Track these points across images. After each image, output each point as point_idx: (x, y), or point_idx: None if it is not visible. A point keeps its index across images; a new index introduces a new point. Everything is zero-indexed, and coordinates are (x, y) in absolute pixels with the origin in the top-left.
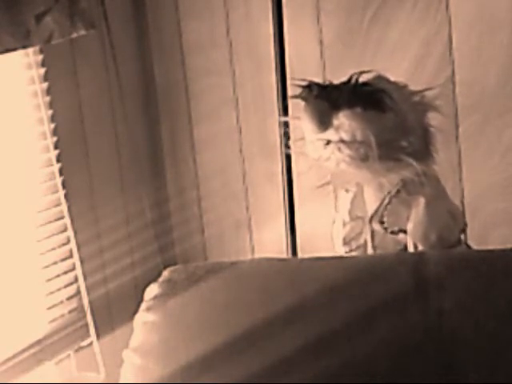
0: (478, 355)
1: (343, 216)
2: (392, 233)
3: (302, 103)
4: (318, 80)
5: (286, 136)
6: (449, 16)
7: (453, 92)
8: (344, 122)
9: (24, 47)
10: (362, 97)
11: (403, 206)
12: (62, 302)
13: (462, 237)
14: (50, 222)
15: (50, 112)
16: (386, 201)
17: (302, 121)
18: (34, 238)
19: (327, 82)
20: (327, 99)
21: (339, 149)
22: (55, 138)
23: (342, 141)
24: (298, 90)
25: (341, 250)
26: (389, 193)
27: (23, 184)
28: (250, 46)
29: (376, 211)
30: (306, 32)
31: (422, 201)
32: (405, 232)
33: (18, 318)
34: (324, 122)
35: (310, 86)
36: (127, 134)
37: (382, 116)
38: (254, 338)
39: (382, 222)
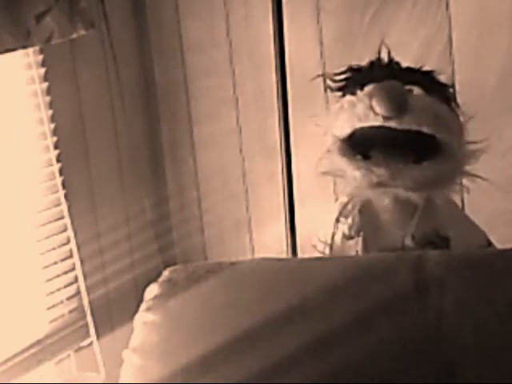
0: (478, 355)
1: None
2: (422, 247)
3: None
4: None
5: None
6: (449, 16)
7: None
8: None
9: (24, 47)
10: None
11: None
12: (62, 302)
13: None
14: (50, 222)
15: (50, 112)
16: (419, 213)
17: (360, 104)
18: (34, 238)
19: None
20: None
21: None
22: (55, 138)
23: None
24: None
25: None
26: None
27: (23, 184)
28: (250, 46)
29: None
30: (306, 32)
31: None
32: (432, 244)
33: (18, 318)
34: (402, 104)
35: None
36: (127, 134)
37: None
38: (253, 338)
39: (413, 237)
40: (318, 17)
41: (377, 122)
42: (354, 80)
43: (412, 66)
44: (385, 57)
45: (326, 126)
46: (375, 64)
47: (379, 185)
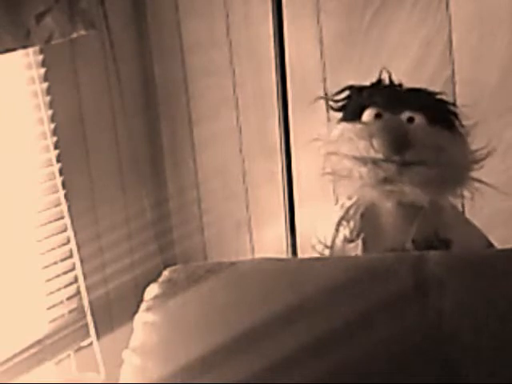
0: (478, 355)
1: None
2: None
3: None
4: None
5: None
6: (449, 16)
7: (453, 92)
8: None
9: (24, 47)
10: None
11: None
12: (62, 301)
13: None
14: (50, 222)
15: (50, 112)
16: (421, 218)
17: (360, 140)
18: (34, 238)
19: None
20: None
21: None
22: (55, 138)
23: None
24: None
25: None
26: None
27: (23, 184)
28: (250, 46)
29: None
30: (306, 32)
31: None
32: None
33: (18, 318)
34: (403, 143)
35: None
36: (127, 134)
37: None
38: (254, 338)
39: (413, 241)
40: (318, 17)
41: (378, 156)
42: (354, 101)
43: (413, 87)
44: (386, 79)
45: (327, 148)
46: (376, 86)
47: (386, 181)
